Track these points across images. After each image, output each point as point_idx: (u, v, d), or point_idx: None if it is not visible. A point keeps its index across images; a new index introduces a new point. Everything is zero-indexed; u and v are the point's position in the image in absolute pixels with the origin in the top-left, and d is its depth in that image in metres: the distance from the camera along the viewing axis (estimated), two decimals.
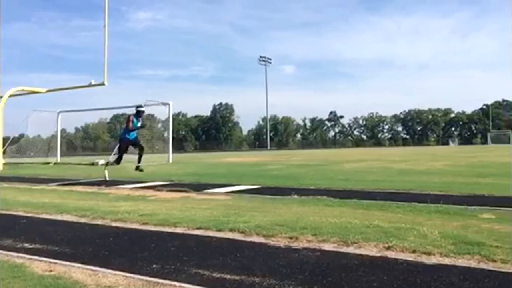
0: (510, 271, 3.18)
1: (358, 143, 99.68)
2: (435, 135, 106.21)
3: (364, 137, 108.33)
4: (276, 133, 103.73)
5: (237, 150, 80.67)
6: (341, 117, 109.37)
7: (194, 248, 4.14)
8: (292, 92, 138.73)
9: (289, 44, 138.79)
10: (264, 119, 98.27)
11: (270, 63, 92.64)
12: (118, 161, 11.82)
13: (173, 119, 29.88)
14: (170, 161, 22.95)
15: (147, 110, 26.74)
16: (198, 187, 9.19)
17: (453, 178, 10.59)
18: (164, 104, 23.89)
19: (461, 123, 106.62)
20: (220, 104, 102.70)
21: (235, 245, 4.22)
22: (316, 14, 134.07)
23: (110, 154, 22.93)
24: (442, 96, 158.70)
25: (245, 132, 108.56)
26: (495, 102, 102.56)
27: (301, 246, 4.07)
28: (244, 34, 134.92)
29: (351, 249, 3.91)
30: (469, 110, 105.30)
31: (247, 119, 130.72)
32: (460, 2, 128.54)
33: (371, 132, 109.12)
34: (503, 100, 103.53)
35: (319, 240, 4.21)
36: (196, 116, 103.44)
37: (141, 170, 11.79)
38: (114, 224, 5.46)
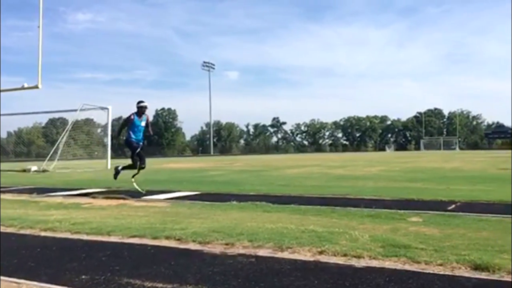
0: (432, 271, 3.35)
1: (300, 149, 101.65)
2: (372, 142, 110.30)
3: (306, 143, 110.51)
4: (220, 139, 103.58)
5: (180, 155, 79.74)
6: (284, 123, 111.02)
7: (127, 257, 4.03)
8: (236, 98, 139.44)
9: (233, 50, 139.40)
10: (207, 124, 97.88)
11: (213, 68, 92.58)
12: (133, 166, 9.68)
13: (114, 124, 29.07)
14: (109, 167, 22.27)
15: (84, 115, 25.90)
16: (136, 194, 8.98)
17: (387, 183, 11.04)
18: (103, 108, 23.19)
19: (396, 130, 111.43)
20: (163, 109, 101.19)
21: (170, 253, 4.16)
22: (259, 21, 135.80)
23: (44, 160, 21.96)
24: (379, 104, 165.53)
25: (188, 138, 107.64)
26: (428, 110, 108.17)
27: (237, 252, 4.08)
28: (188, 39, 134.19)
29: (285, 254, 3.97)
30: (404, 118, 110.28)
31: (190, 125, 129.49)
32: (395, 14, 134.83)
33: (313, 138, 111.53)
34: (435, 109, 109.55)
35: (254, 246, 4.23)
36: None
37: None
38: (43, 233, 5.21)
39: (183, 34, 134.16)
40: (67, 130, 23.18)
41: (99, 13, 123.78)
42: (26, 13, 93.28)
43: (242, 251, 4.11)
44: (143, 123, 9.62)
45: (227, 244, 4.33)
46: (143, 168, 9.78)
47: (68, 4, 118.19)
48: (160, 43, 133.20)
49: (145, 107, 9.65)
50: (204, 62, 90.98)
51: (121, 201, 8.17)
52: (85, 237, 4.96)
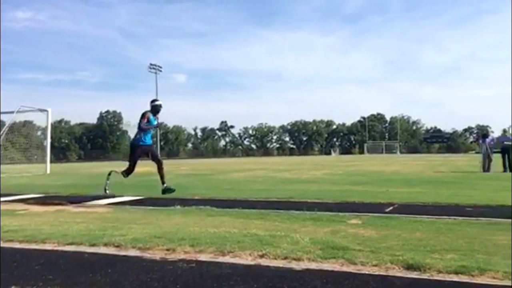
0: (368, 272, 3.45)
1: (248, 152, 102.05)
2: (319, 145, 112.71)
3: (254, 146, 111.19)
4: (167, 142, 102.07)
5: (125, 159, 77.74)
6: (232, 127, 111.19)
7: (62, 265, 3.87)
8: (184, 101, 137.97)
9: (181, 52, 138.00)
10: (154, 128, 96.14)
11: (160, 71, 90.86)
12: (129, 172, 9.25)
13: (55, 127, 28.01)
14: (48, 171, 21.37)
15: (22, 117, 24.70)
16: (76, 200, 8.67)
17: (330, 186, 11.31)
18: (42, 110, 22.25)
19: (341, 134, 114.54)
20: (108, 111, 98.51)
21: (108, 260, 4.04)
22: (207, 24, 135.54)
23: None
24: (325, 109, 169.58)
25: None
26: (371, 115, 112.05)
27: (178, 257, 4.02)
28: (134, 40, 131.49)
29: (227, 258, 3.96)
30: (348, 122, 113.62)
31: (136, 128, 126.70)
32: (341, 21, 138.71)
33: (261, 142, 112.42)
34: (378, 114, 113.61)
35: (196, 251, 4.20)
36: (80, 124, 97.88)
37: (172, 190, 8.92)
38: None
39: (129, 35, 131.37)
40: (3, 133, 22.01)
41: (40, 12, 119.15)
42: None
43: (183, 256, 4.06)
44: (155, 123, 8.98)
45: (168, 250, 4.27)
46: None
47: (6, 1, 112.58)
48: (105, 44, 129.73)
49: (161, 106, 8.95)
50: (151, 64, 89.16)
51: (59, 207, 7.85)
52: (17, 245, 4.72)
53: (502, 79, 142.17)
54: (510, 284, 3.07)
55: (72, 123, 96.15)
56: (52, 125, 22.77)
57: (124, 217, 6.41)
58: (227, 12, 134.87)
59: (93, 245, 4.58)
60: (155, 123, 8.91)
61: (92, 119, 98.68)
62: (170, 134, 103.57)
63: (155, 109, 8.86)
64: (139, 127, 8.71)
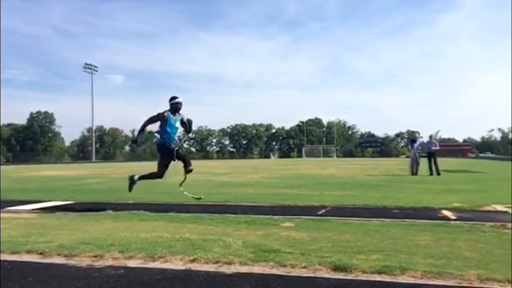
0: (297, 274, 3.52)
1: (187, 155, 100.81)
2: (258, 149, 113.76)
3: (194, 150, 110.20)
4: (103, 145, 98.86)
5: (58, 162, 74.45)
6: None
7: None
8: (121, 102, 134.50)
9: (118, 53, 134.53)
10: (89, 130, 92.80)
11: (96, 71, 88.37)
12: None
13: None
14: None
15: None
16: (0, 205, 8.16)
17: (266, 189, 11.43)
18: None
19: (280, 138, 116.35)
20: (39, 112, 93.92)
21: (30, 268, 3.83)
22: (147, 25, 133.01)
23: None
24: (264, 113, 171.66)
25: (67, 143, 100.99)
26: (309, 120, 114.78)
27: (105, 264, 3.89)
28: (68, 39, 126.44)
29: (156, 264, 3.88)
30: (287, 126, 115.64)
31: (70, 130, 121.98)
32: (280, 27, 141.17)
33: (200, 145, 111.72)
34: (315, 118, 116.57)
35: (125, 257, 4.08)
36: (9, 125, 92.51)
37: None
38: None
39: (63, 33, 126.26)
40: None
41: None
42: None
43: (111, 263, 3.93)
44: (177, 123, 8.16)
45: (95, 256, 4.12)
46: (190, 171, 8.30)
47: None
48: (37, 42, 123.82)
49: (181, 104, 8.11)
50: (86, 64, 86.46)
51: None
52: None
53: (431, 87, 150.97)
54: (428, 282, 3.25)
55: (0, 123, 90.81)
56: None
57: (51, 223, 6.12)
58: (167, 13, 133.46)
59: (15, 252, 4.33)
60: (177, 124, 8.18)
61: (22, 120, 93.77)
62: (106, 137, 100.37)
63: (175, 107, 8.05)
64: (162, 130, 8.06)
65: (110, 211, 7.10)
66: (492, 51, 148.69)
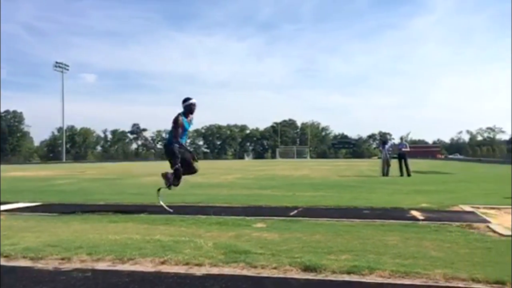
0: (267, 275, 3.52)
1: (161, 156, 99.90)
2: (233, 150, 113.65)
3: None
4: (74, 145, 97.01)
5: (27, 162, 72.63)
6: (144, 130, 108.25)
7: None
8: (93, 102, 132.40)
9: (91, 52, 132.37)
10: (59, 129, 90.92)
11: (67, 70, 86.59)
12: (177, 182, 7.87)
13: None
14: None
15: None
16: None
17: (240, 190, 11.43)
18: None
19: (255, 139, 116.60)
20: (7, 111, 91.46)
21: None
22: (121, 24, 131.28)
23: None
24: (239, 114, 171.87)
25: (37, 143, 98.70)
26: (283, 121, 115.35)
27: (72, 267, 3.81)
28: (39, 37, 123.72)
29: (126, 266, 3.82)
30: (261, 127, 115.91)
31: (39, 129, 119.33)
32: (255, 28, 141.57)
33: None
34: (289, 119, 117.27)
35: (93, 260, 4.01)
36: None
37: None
38: None
39: (33, 31, 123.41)
40: None
41: None
42: None
43: (78, 265, 3.85)
44: (190, 127, 7.89)
45: (62, 259, 4.03)
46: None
47: None
48: (5, 39, 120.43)
49: (195, 105, 7.74)
50: (57, 63, 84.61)
51: None
52: None
53: (402, 90, 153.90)
54: (395, 282, 3.30)
55: None
56: None
57: (17, 225, 5.96)
58: (141, 12, 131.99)
59: None
60: (190, 128, 7.94)
61: None
62: (77, 137, 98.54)
63: (189, 109, 7.70)
64: (176, 135, 7.56)
65: (80, 213, 6.97)
66: (461, 55, 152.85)
